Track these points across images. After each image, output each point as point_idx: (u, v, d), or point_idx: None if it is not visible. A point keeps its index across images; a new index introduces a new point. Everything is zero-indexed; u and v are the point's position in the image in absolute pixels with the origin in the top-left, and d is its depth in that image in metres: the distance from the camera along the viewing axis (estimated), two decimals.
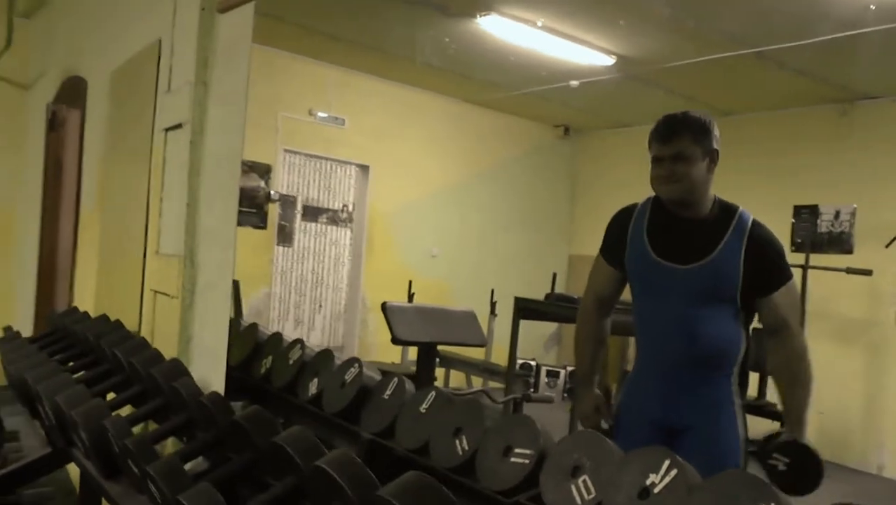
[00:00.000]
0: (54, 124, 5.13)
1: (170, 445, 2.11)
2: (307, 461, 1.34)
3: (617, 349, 5.90)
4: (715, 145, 2.40)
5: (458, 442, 1.51)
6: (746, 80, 6.70)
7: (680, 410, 2.42)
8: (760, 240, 2.36)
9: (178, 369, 1.98)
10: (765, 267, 2.34)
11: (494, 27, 5.97)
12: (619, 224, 2.55)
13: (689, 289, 2.35)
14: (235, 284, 6.28)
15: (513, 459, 1.37)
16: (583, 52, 6.33)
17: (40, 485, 2.50)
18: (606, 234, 2.61)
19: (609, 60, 6.46)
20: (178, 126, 2.73)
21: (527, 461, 1.35)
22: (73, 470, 2.54)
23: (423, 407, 1.65)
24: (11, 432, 2.99)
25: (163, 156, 2.88)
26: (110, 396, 2.25)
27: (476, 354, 7.03)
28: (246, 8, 2.45)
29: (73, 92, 4.62)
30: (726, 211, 2.40)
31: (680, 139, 2.35)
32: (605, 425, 2.59)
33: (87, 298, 3.74)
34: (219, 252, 2.51)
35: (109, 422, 1.66)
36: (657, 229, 2.44)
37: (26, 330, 4.38)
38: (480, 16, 5.80)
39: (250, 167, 7.46)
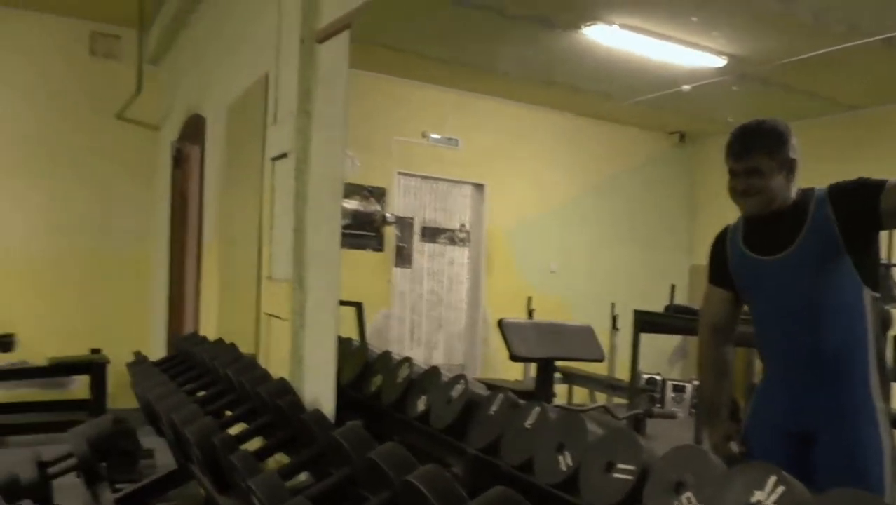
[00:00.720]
0: (179, 161, 5.44)
1: (278, 461, 2.18)
2: (400, 476, 1.35)
3: (743, 362, 5.67)
4: (792, 155, 2.29)
5: (560, 458, 1.49)
6: (873, 71, 6.33)
7: (807, 414, 2.27)
8: (837, 189, 2.23)
9: (282, 388, 2.04)
10: (854, 197, 2.18)
11: (601, 36, 5.91)
12: (719, 244, 2.50)
13: (795, 276, 2.24)
14: (358, 306, 6.44)
15: (615, 475, 1.34)
16: (692, 55, 6.16)
17: (170, 499, 2.64)
18: (710, 260, 2.55)
19: (720, 62, 6.26)
20: (284, 155, 2.84)
21: (630, 477, 1.32)
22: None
23: (528, 423, 1.63)
24: (147, 450, 3.18)
25: (271, 185, 3.00)
26: (227, 413, 2.35)
27: (599, 369, 6.91)
28: (342, 37, 2.53)
29: (194, 129, 4.89)
30: (806, 193, 2.30)
31: (753, 155, 2.26)
32: (736, 450, 2.48)
33: (210, 322, 3.92)
34: (326, 274, 2.58)
35: (218, 439, 1.73)
36: (751, 234, 2.38)
37: (159, 354, 4.64)
38: (585, 27, 5.75)
39: (369, 192, 7.63)
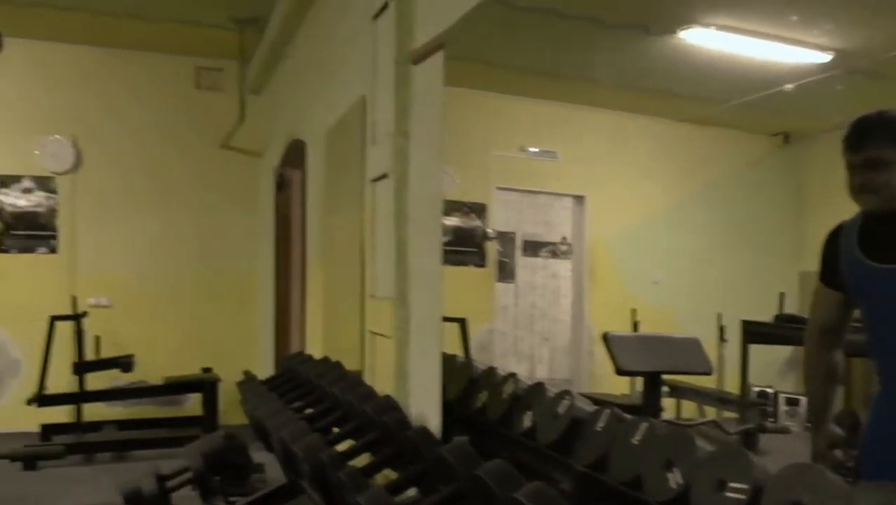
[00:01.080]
0: (281, 185, 5.61)
1: (386, 477, 2.21)
2: (507, 493, 1.35)
3: (861, 371, 5.40)
4: None
5: (670, 475, 1.45)
6: None
7: None
8: None
9: (388, 405, 2.07)
10: None
11: (698, 39, 5.78)
12: (832, 241, 2.33)
13: None
14: (462, 322, 6.46)
15: (727, 494, 1.30)
16: (794, 52, 5.94)
17: None
18: (821, 257, 2.39)
19: (825, 57, 6.01)
20: (384, 176, 2.89)
21: (742, 496, 1.27)
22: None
23: (636, 439, 1.60)
24: (258, 465, 3.28)
25: (372, 205, 3.06)
26: (334, 430, 2.39)
27: (708, 382, 6.71)
28: (436, 57, 2.56)
29: (295, 154, 5.04)
30: None
31: (873, 144, 2.07)
32: (842, 459, 2.34)
33: (316, 341, 4.02)
34: (428, 292, 2.60)
35: (326, 455, 1.77)
36: (867, 235, 2.21)
37: (268, 373, 4.78)
38: (682, 30, 5.64)
39: (469, 208, 7.67)
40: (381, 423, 1.90)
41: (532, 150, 8.03)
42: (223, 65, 6.69)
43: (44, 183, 6.41)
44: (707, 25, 5.55)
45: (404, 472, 1.75)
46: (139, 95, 6.64)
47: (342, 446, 2.18)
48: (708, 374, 5.39)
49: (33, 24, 6.01)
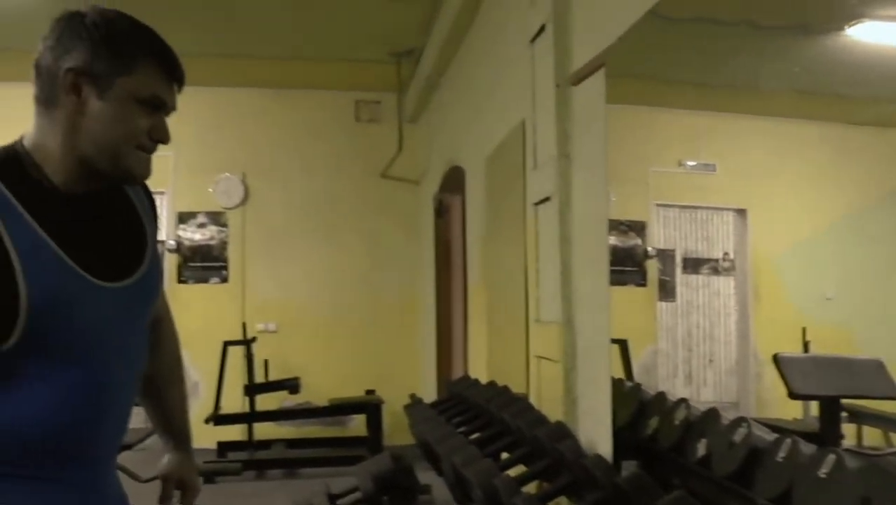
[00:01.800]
0: (440, 211, 5.71)
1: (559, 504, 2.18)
2: None
3: None
4: None
5: None
6: None
7: None
8: None
9: (561, 431, 2.04)
10: None
11: (868, 34, 5.43)
12: None
13: None
14: (623, 344, 6.31)
15: None
16: None
17: None
18: None
19: None
20: (547, 199, 2.88)
21: None
22: None
23: (823, 472, 1.50)
24: (425, 486, 3.32)
25: (535, 229, 3.05)
26: (503, 455, 2.39)
27: (893, 407, 6.22)
28: (597, 77, 2.54)
29: (454, 181, 5.11)
30: None
31: None
32: None
33: (479, 365, 4.03)
34: (595, 315, 2.57)
35: (499, 481, 1.77)
36: None
37: (430, 395, 4.85)
38: (849, 27, 5.32)
39: (628, 226, 7.51)
40: (554, 449, 1.88)
41: (690, 163, 7.79)
42: (381, 97, 6.91)
43: (216, 218, 6.84)
44: (879, 18, 5.20)
45: (580, 501, 1.72)
46: (302, 131, 6.98)
47: (513, 472, 2.17)
48: (894, 398, 5.00)
49: (208, 72, 6.45)
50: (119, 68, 1.24)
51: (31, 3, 4.92)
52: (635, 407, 2.46)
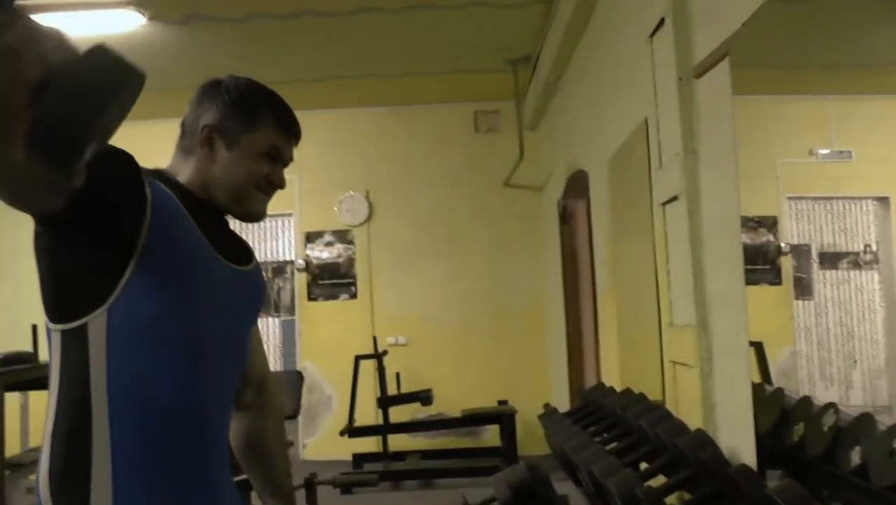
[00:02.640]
0: (565, 217, 5.63)
1: None
2: None
3: None
4: None
5: None
6: None
7: None
8: None
9: (702, 439, 1.96)
10: None
11: None
12: None
13: None
14: (759, 346, 6.04)
15: None
16: None
17: None
18: None
19: None
20: (674, 199, 2.79)
21: None
22: None
23: None
24: (562, 496, 3.26)
25: (663, 230, 2.95)
26: (642, 465, 2.31)
27: None
28: (721, 67, 2.43)
29: (577, 185, 5.03)
30: None
31: None
32: None
33: (612, 372, 3.94)
34: (731, 317, 2.45)
35: (641, 492, 1.70)
36: None
37: (562, 404, 4.78)
38: None
39: (758, 222, 7.21)
40: (696, 459, 1.80)
41: (822, 152, 7.38)
42: (499, 106, 6.92)
43: (342, 235, 7.02)
44: None
45: None
46: (423, 146, 7.07)
47: (653, 483, 2.10)
48: None
49: (328, 95, 6.66)
50: (245, 126, 1.48)
51: (125, 49, 5.20)
52: (778, 413, 2.33)
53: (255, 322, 1.62)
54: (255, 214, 1.54)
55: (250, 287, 1.55)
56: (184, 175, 1.48)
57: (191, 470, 1.33)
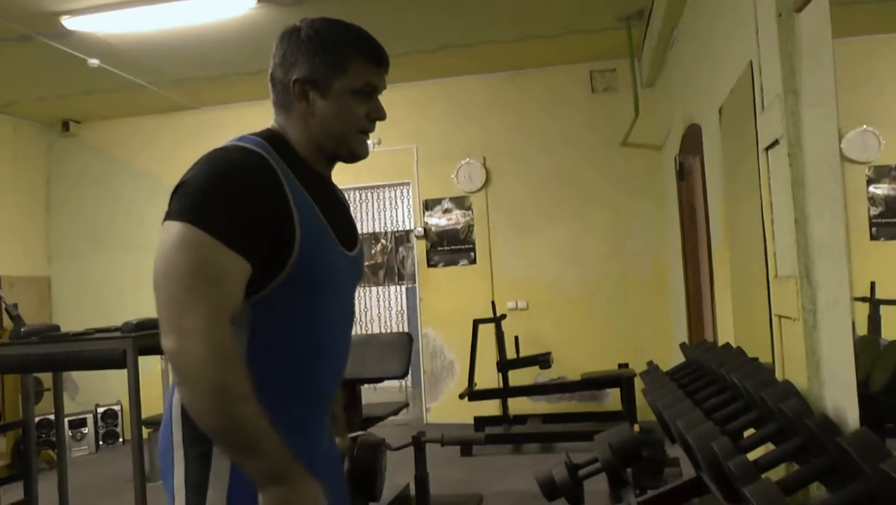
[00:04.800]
0: (682, 173, 5.44)
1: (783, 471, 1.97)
2: None
3: None
4: None
5: None
6: None
7: None
8: None
9: (789, 391, 1.85)
10: None
11: None
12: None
13: None
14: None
15: None
16: None
17: None
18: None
19: None
20: (776, 142, 2.64)
21: None
22: None
23: None
24: (673, 459, 3.19)
25: (767, 176, 2.80)
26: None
27: None
28: (820, 0, 2.27)
29: (692, 140, 4.84)
30: None
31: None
32: None
33: (727, 330, 3.80)
34: (834, 267, 2.30)
35: (718, 444, 1.63)
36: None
37: (681, 361, 4.63)
38: None
39: None
40: (780, 411, 1.71)
41: None
42: (615, 65, 6.75)
43: (460, 202, 7.06)
44: None
45: (805, 466, 1.54)
46: (539, 109, 6.99)
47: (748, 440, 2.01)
48: None
49: (441, 65, 6.69)
50: (335, 70, 1.50)
51: (236, 32, 5.35)
52: (892, 368, 2.17)
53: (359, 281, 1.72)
54: (360, 155, 1.59)
55: (357, 268, 1.62)
56: (292, 133, 1.54)
57: (302, 426, 1.49)
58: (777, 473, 1.77)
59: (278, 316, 1.42)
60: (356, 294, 1.72)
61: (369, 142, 1.60)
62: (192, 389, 1.28)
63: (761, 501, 1.28)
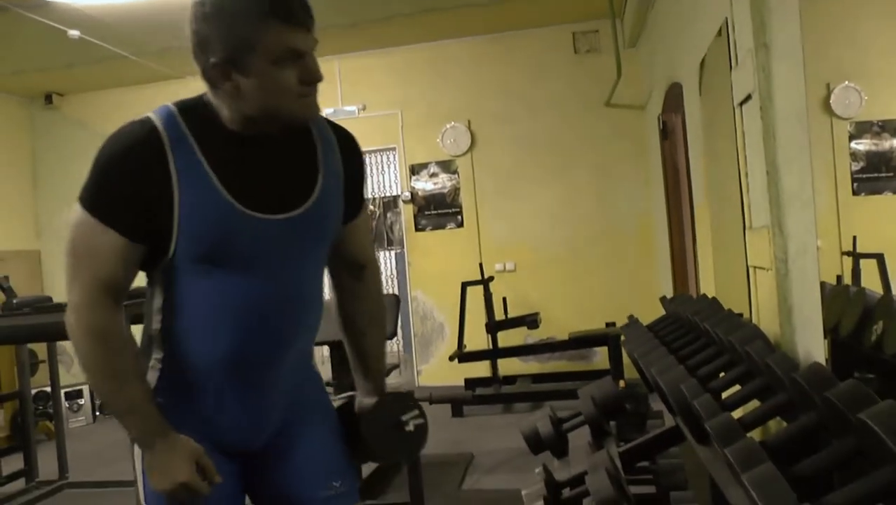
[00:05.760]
0: (665, 132, 5.48)
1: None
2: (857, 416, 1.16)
3: None
4: None
5: None
6: None
7: None
8: None
9: (754, 334, 1.93)
10: None
11: None
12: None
13: None
14: (880, 258, 5.71)
15: None
16: None
17: (673, 456, 2.68)
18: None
19: None
20: (748, 97, 2.69)
21: None
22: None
23: None
24: (657, 412, 3.29)
25: (742, 130, 2.86)
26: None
27: None
28: None
29: (674, 99, 4.88)
30: None
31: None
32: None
33: (708, 282, 3.88)
34: (802, 215, 2.36)
35: (686, 386, 1.71)
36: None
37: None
38: None
39: (881, 127, 6.76)
40: (745, 353, 1.78)
41: None
42: (597, 26, 6.75)
43: (446, 166, 7.11)
44: None
45: (765, 403, 1.62)
46: (522, 72, 7.00)
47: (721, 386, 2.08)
48: None
49: (424, 29, 6.69)
50: (249, 46, 1.37)
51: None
52: (859, 314, 2.25)
53: (327, 240, 1.61)
54: (308, 117, 1.50)
55: (298, 230, 1.51)
56: (220, 107, 1.45)
57: (232, 392, 1.54)
58: (746, 412, 1.85)
59: (184, 283, 1.46)
60: (317, 256, 1.61)
61: (316, 99, 1.48)
62: (77, 360, 1.43)
63: (720, 433, 1.35)
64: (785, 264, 2.46)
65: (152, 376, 1.51)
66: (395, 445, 1.75)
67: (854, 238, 4.92)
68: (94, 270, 1.40)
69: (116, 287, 1.42)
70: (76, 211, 1.41)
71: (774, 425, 1.97)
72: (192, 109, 1.46)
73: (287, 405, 1.62)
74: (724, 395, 1.98)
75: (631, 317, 3.54)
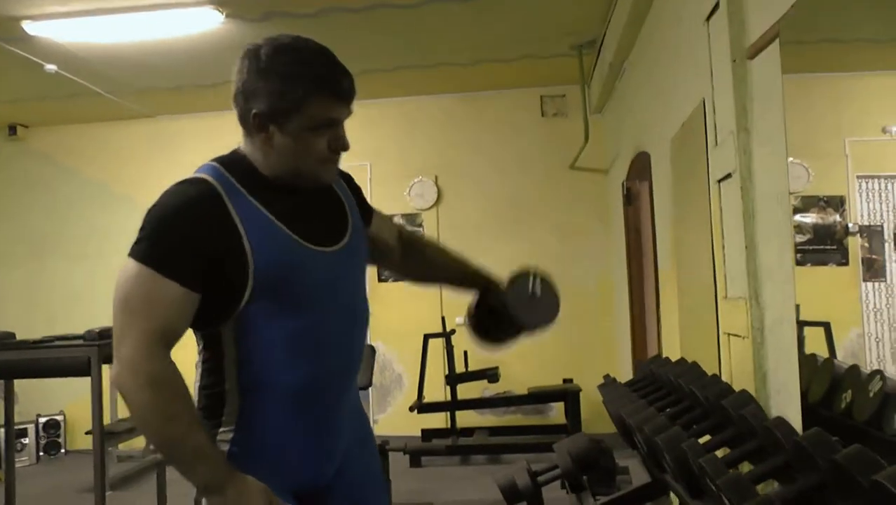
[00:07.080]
0: (629, 198, 5.72)
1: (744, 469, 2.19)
2: (867, 479, 1.31)
3: None
4: None
5: None
6: None
7: None
8: None
9: (746, 399, 2.08)
10: None
11: None
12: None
13: None
14: (826, 326, 6.00)
15: None
16: None
17: None
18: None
19: None
20: (728, 176, 2.88)
21: None
22: (675, 499, 2.78)
23: None
24: (623, 467, 3.41)
25: (719, 206, 3.05)
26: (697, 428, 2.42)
27: None
28: (772, 48, 2.53)
29: (641, 167, 5.12)
30: None
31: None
32: None
33: (673, 345, 4.05)
34: (781, 289, 2.55)
35: (687, 445, 1.83)
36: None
37: (626, 376, 4.89)
38: None
39: (826, 202, 7.13)
40: (739, 417, 1.92)
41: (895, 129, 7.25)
42: (565, 90, 7.02)
43: (411, 219, 7.25)
44: None
45: (763, 463, 1.76)
46: (490, 131, 7.23)
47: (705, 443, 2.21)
48: None
49: (399, 85, 6.88)
50: (293, 107, 1.50)
51: (201, 46, 5.45)
52: (828, 382, 2.41)
53: (366, 263, 1.80)
54: (328, 181, 1.65)
55: (347, 260, 1.65)
56: (254, 156, 1.57)
57: (308, 426, 1.61)
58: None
59: (259, 327, 1.52)
60: (363, 283, 1.75)
61: (337, 165, 1.65)
62: (131, 413, 1.44)
63: (731, 489, 1.48)
64: (761, 333, 2.63)
65: (226, 429, 1.56)
66: (537, 311, 2.23)
67: (797, 306, 5.14)
68: (151, 322, 1.43)
69: (173, 337, 1.47)
70: (129, 267, 1.45)
71: (762, 488, 2.11)
72: (232, 163, 1.58)
73: (350, 429, 1.72)
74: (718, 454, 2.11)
75: (607, 376, 3.68)
